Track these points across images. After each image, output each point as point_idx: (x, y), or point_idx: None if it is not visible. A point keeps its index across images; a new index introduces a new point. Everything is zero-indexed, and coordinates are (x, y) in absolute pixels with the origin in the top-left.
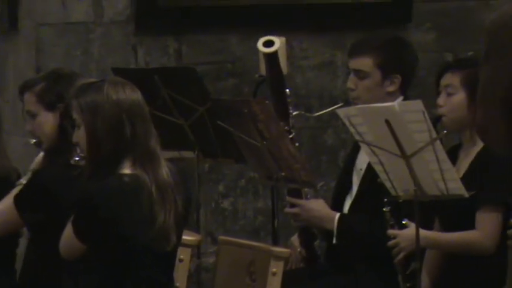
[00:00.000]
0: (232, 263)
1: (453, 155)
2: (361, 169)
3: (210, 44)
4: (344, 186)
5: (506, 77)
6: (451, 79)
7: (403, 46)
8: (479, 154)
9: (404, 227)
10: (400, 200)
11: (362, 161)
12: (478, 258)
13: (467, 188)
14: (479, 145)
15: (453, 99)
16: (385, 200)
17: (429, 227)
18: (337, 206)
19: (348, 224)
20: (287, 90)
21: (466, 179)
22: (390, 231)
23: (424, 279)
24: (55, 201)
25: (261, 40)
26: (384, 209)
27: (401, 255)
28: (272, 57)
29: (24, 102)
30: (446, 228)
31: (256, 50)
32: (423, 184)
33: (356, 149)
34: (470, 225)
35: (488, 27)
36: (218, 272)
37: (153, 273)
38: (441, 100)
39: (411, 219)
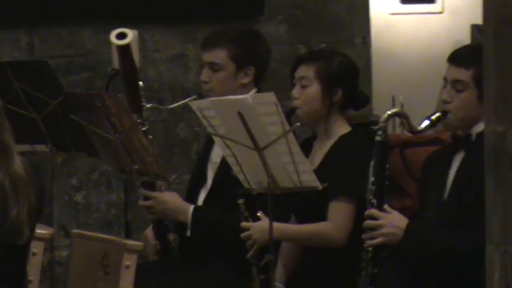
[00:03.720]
0: (86, 256)
1: (307, 147)
2: (215, 162)
3: (62, 38)
4: (199, 179)
5: None
6: (305, 71)
7: (257, 38)
8: (333, 147)
9: (258, 219)
10: (254, 193)
11: (217, 154)
12: (332, 250)
13: (321, 180)
14: (334, 138)
15: (307, 91)
16: (239, 192)
17: (286, 220)
18: (191, 198)
19: (201, 216)
20: (140, 82)
21: (319, 171)
22: (243, 224)
23: (280, 272)
24: None
25: (114, 32)
26: (239, 201)
27: (254, 248)
28: (125, 50)
29: None
30: (301, 220)
31: (109, 43)
32: (276, 176)
33: (211, 142)
34: (323, 217)
35: None
36: (71, 266)
37: (6, 267)
38: (296, 92)
39: (266, 211)
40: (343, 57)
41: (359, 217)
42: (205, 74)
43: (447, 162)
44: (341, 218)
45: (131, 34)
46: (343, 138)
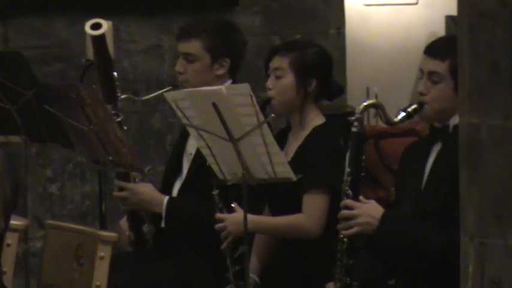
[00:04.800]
0: (60, 247)
1: (282, 138)
2: (191, 153)
3: (36, 28)
4: (174, 170)
5: None
6: (280, 62)
7: (232, 30)
8: (307, 138)
9: (233, 210)
10: (229, 184)
11: (192, 145)
12: (307, 242)
13: (296, 172)
14: (308, 129)
15: (282, 82)
16: (213, 183)
17: (259, 211)
18: (166, 189)
19: (176, 207)
20: (115, 73)
21: (294, 163)
22: (218, 215)
23: (254, 263)
24: None
25: (89, 23)
26: (213, 193)
27: (229, 239)
28: (100, 40)
29: None
30: (275, 212)
31: (83, 34)
32: (251, 168)
33: (186, 133)
34: (298, 209)
35: None
36: (46, 257)
37: None
38: (270, 83)
39: (240, 202)
40: (317, 47)
41: (334, 209)
42: (180, 65)
43: (424, 153)
44: (316, 210)
45: (106, 25)
46: (317, 129)
